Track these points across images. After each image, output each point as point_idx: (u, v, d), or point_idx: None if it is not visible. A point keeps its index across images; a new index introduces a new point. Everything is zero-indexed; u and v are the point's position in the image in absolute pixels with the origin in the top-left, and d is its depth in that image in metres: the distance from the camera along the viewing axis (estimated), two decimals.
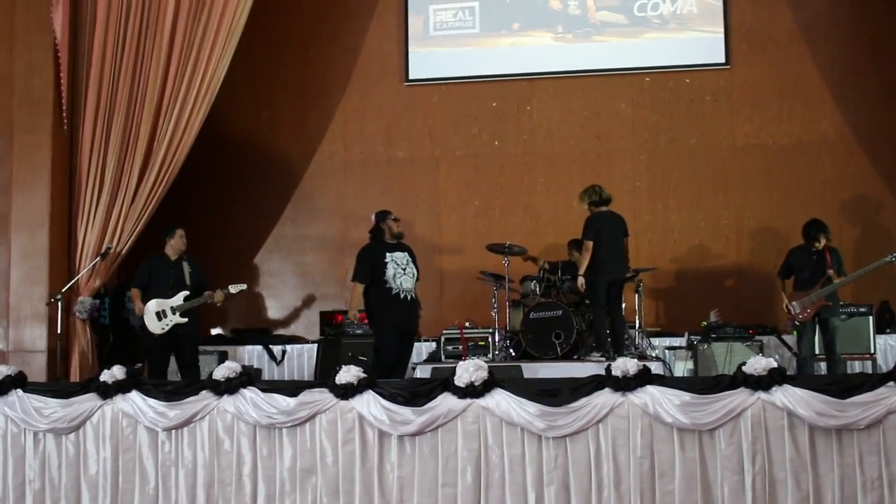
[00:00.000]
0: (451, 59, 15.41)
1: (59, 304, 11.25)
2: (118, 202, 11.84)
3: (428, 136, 15.35)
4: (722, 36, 14.79)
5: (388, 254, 10.92)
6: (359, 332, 12.69)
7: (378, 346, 11.07)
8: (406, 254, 11.03)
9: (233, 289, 11.35)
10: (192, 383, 8.37)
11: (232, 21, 11.91)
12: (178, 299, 11.11)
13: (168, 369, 11.35)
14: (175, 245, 11.32)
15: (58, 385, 9.18)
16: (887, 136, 14.25)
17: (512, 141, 15.18)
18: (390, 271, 10.82)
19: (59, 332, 11.34)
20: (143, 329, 11.25)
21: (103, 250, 11.65)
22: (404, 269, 10.86)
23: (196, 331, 11.38)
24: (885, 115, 14.28)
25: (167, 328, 11.07)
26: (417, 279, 11.09)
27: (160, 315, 11.07)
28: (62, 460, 8.33)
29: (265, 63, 15.32)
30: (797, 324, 11.20)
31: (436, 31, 15.44)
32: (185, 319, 11.14)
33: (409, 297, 10.86)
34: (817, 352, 11.38)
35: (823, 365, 11.49)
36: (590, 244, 11.58)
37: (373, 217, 11.26)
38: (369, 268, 10.92)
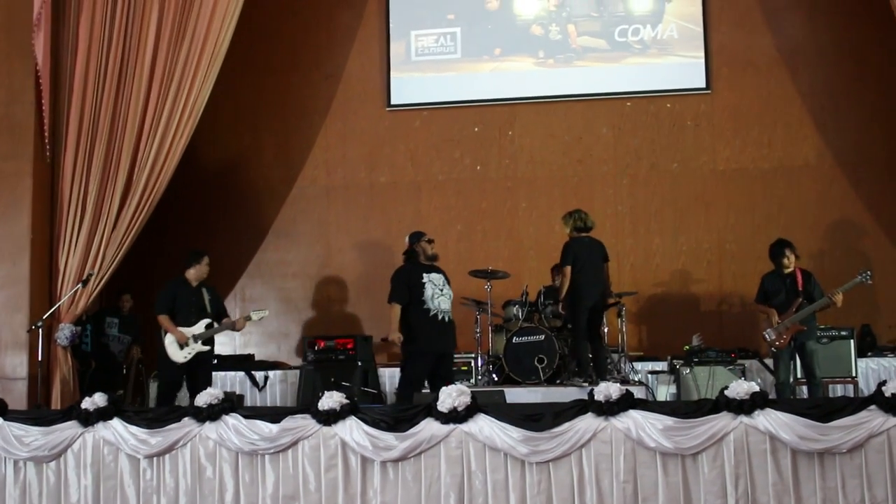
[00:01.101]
0: (432, 84, 15.43)
1: (41, 331, 11.20)
2: (100, 228, 11.82)
3: (410, 161, 15.36)
4: (703, 61, 14.83)
5: (424, 275, 10.83)
6: (341, 357, 12.66)
7: (408, 373, 10.82)
8: (441, 275, 10.97)
9: (255, 316, 11.35)
10: (174, 410, 8.35)
11: (214, 47, 11.92)
12: (200, 327, 11.11)
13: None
14: (199, 272, 11.29)
15: (39, 413, 9.14)
16: (868, 159, 14.31)
17: (494, 166, 15.20)
18: (429, 292, 10.72)
19: (39, 359, 11.28)
20: (162, 356, 11.19)
21: (84, 277, 11.60)
22: (441, 290, 10.77)
23: (211, 355, 11.44)
24: (865, 139, 14.34)
25: (190, 356, 11.06)
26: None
27: (182, 344, 11.05)
28: (43, 488, 8.30)
29: (247, 89, 15.32)
30: (773, 350, 11.20)
31: (417, 56, 15.47)
32: (207, 347, 11.17)
33: (446, 318, 10.77)
34: (798, 376, 11.39)
35: (805, 389, 11.53)
36: (567, 270, 11.62)
37: (406, 239, 11.20)
38: (406, 289, 10.80)
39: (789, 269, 11.19)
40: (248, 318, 11.34)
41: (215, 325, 11.24)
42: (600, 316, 11.96)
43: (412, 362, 10.82)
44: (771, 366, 12.25)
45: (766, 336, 11.14)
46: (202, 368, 11.26)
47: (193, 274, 11.31)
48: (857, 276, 10.95)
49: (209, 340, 11.21)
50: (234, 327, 11.31)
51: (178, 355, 11.08)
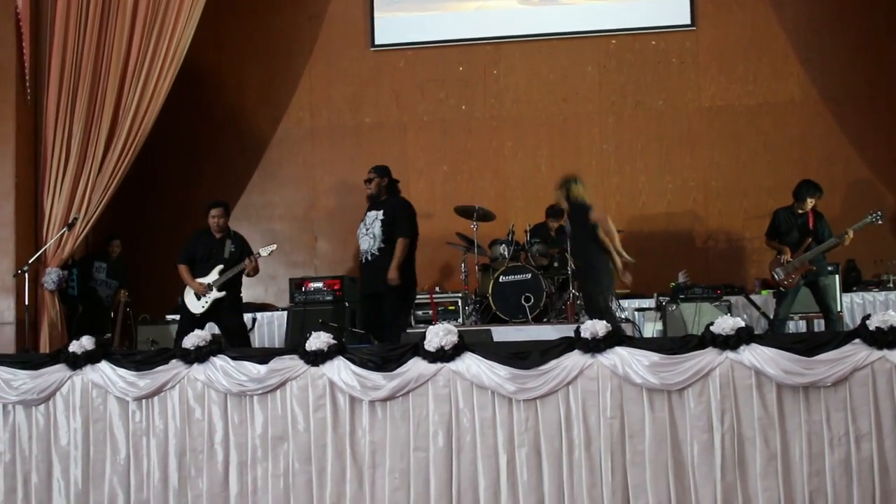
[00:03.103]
0: (416, 23, 15.36)
1: (27, 275, 11.18)
2: (85, 172, 11.76)
3: (395, 102, 15.33)
4: None
5: (365, 216, 10.94)
6: (328, 298, 12.69)
7: None
8: (378, 212, 10.86)
9: (263, 252, 11.26)
10: (162, 352, 8.35)
11: None
12: (214, 275, 11.13)
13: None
14: (210, 223, 11.29)
15: (27, 356, 9.14)
16: (852, 95, 14.34)
17: (479, 105, 15.18)
18: (357, 234, 10.90)
19: (27, 303, 11.28)
20: (181, 305, 11.34)
21: (70, 221, 11.56)
22: (366, 230, 10.82)
23: (233, 299, 11.36)
24: (849, 75, 14.36)
25: (206, 306, 11.13)
26: (395, 235, 10.72)
27: (199, 294, 11.09)
28: (32, 432, 8.30)
29: (230, 31, 15.25)
30: (781, 290, 11.26)
31: None
32: (223, 293, 11.14)
33: (363, 260, 10.84)
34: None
35: (791, 324, 11.62)
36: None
37: None
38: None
39: (804, 211, 11.22)
40: (258, 256, 11.25)
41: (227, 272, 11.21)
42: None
43: None
44: (756, 301, 12.35)
45: (775, 275, 11.21)
46: (225, 314, 11.27)
47: (210, 224, 11.31)
48: (868, 215, 10.97)
49: (225, 286, 11.15)
50: (245, 272, 11.24)
51: (195, 306, 11.16)
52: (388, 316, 10.82)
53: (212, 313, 11.20)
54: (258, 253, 11.24)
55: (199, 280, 11.14)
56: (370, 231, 10.75)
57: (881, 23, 14.20)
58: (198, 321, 11.11)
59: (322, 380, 7.75)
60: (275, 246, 11.46)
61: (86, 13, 11.90)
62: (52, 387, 8.25)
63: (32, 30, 11.88)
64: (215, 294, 11.10)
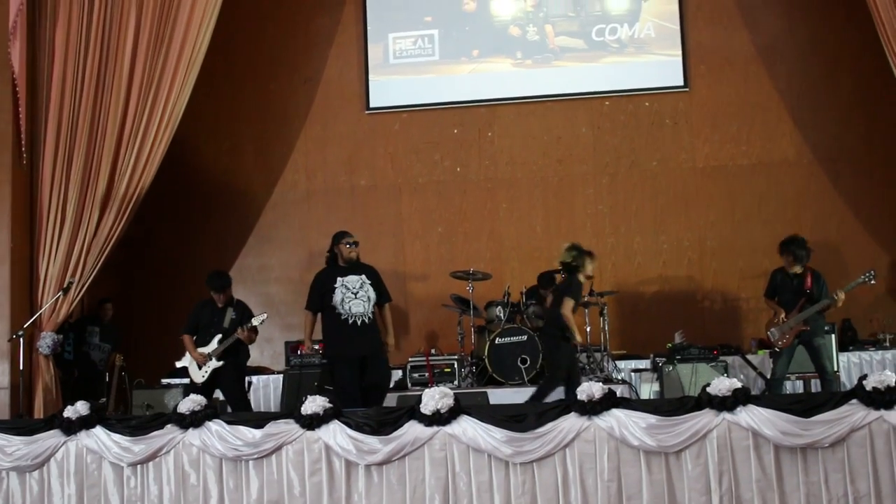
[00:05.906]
0: (411, 86, 15.42)
1: (22, 340, 11.17)
2: (80, 236, 11.76)
3: (390, 164, 15.35)
4: (680, 59, 14.86)
5: (339, 278, 10.67)
6: (325, 361, 12.63)
7: (335, 378, 10.94)
8: (361, 277, 10.75)
9: (255, 321, 11.22)
10: (157, 417, 8.34)
11: (192, 53, 11.90)
12: (213, 344, 11.14)
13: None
14: (216, 297, 11.33)
15: (21, 422, 9.11)
16: (846, 154, 14.37)
17: (474, 167, 15.20)
18: (338, 297, 10.60)
19: (21, 368, 11.23)
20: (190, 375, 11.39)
21: (65, 285, 11.56)
22: (355, 294, 10.67)
23: (232, 365, 11.25)
24: (843, 134, 14.40)
25: (206, 375, 11.12)
26: (383, 301, 10.87)
27: (200, 364, 11.15)
28: (26, 498, 8.28)
29: (226, 95, 15.28)
30: (777, 350, 11.21)
31: (396, 59, 15.46)
32: (221, 363, 11.12)
33: (358, 322, 10.70)
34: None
35: (788, 385, 11.57)
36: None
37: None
38: (319, 295, 10.74)
39: (793, 271, 11.17)
40: (249, 326, 11.19)
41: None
42: None
43: (335, 368, 10.89)
44: (753, 362, 12.32)
45: (770, 335, 11.16)
46: (223, 382, 11.25)
47: (214, 296, 11.35)
48: (861, 276, 10.96)
49: (224, 356, 11.13)
50: (242, 336, 11.20)
51: (196, 375, 11.17)
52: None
53: (213, 381, 11.18)
54: (250, 323, 11.21)
55: (200, 349, 11.16)
56: (360, 295, 10.69)
57: (872, 81, 14.21)
58: (202, 388, 11.12)
59: (318, 444, 7.75)
60: (265, 315, 11.41)
61: (82, 78, 11.97)
62: (46, 452, 8.24)
63: (29, 94, 11.93)
64: (214, 363, 11.09)
